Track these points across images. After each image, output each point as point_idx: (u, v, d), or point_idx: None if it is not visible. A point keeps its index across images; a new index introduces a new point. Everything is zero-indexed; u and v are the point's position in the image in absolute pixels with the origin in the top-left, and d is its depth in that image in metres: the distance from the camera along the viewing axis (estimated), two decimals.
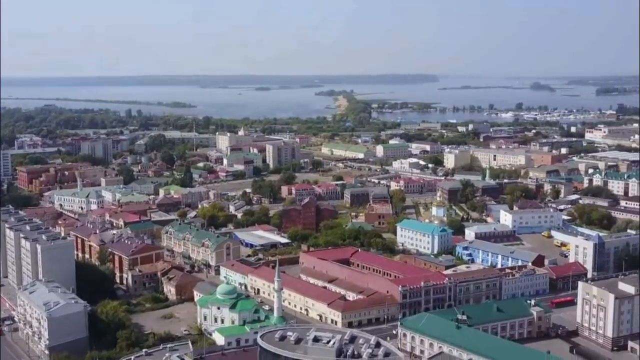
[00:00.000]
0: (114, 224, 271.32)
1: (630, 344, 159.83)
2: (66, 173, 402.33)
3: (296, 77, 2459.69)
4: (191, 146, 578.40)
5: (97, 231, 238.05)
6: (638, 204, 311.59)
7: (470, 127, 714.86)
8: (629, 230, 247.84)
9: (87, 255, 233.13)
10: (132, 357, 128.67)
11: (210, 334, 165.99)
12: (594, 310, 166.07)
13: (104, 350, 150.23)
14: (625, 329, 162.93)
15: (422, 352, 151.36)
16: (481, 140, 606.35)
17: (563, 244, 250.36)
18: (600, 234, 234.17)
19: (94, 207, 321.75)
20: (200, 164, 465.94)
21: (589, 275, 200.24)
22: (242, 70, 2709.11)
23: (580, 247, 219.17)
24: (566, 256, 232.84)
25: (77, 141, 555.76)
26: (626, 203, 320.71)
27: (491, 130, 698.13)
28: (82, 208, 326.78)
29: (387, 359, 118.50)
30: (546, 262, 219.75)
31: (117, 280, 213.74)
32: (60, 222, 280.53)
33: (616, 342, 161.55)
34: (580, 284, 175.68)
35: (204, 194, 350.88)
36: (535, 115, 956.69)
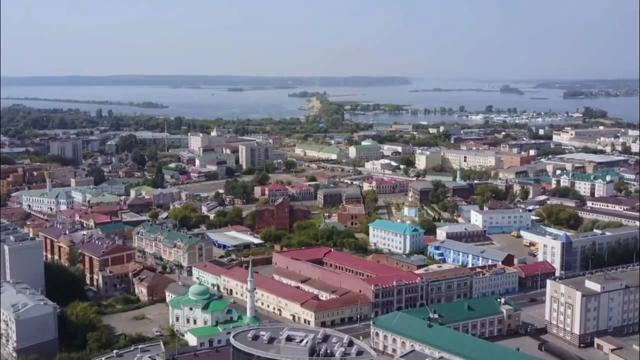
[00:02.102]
0: (84, 225, 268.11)
1: (597, 340, 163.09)
2: (35, 173, 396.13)
3: (269, 78, 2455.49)
4: (163, 147, 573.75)
5: (67, 232, 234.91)
6: (604, 204, 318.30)
7: (442, 128, 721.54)
8: (595, 230, 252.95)
9: (56, 257, 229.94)
10: (103, 359, 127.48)
11: (183, 335, 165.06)
12: (562, 308, 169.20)
13: (74, 352, 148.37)
14: (592, 326, 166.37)
15: (394, 350, 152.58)
16: (452, 141, 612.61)
17: (532, 244, 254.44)
18: (568, 234, 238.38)
19: (63, 207, 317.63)
20: (172, 165, 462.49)
21: (557, 274, 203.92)
22: (214, 71, 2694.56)
23: (548, 247, 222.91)
24: (535, 255, 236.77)
25: (46, 141, 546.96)
26: (592, 203, 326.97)
27: (462, 132, 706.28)
28: (51, 209, 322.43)
29: (360, 357, 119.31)
30: (515, 261, 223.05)
31: (88, 281, 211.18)
32: (28, 222, 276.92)
33: (583, 339, 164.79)
34: (548, 282, 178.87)
35: (175, 195, 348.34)
36: (505, 117, 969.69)
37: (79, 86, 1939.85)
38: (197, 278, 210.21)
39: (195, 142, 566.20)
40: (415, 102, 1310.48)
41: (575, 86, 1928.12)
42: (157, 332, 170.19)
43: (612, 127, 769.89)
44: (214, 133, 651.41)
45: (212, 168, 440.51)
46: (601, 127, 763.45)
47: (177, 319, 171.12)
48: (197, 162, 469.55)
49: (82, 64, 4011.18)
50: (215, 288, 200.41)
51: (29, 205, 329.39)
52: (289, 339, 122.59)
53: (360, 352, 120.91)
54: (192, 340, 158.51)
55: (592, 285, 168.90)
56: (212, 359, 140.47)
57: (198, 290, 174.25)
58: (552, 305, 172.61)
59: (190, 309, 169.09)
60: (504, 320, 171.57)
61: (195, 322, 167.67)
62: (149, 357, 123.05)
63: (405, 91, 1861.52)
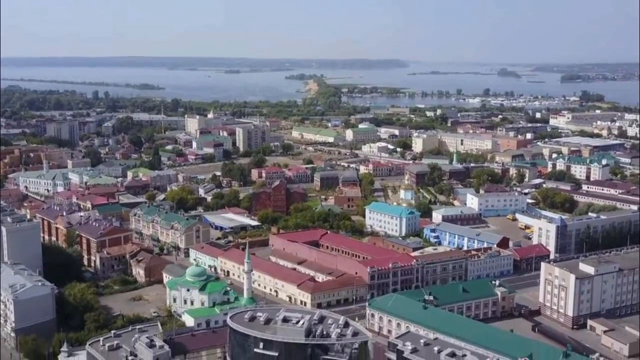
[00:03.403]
0: (82, 207, 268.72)
1: (590, 322, 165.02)
2: (31, 155, 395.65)
3: (266, 61, 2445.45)
4: (159, 129, 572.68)
5: (64, 213, 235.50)
6: (599, 188, 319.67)
7: (439, 112, 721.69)
8: (590, 214, 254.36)
9: (53, 238, 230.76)
10: (101, 339, 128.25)
11: (180, 316, 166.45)
12: (556, 290, 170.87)
13: (72, 332, 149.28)
14: (585, 308, 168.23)
15: (389, 331, 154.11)
16: (449, 125, 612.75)
17: (527, 227, 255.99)
18: (563, 217, 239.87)
19: (60, 189, 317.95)
20: (169, 147, 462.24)
21: (552, 257, 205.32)
22: (211, 53, 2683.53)
23: (543, 230, 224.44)
24: (530, 238, 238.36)
25: (43, 123, 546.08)
26: (588, 187, 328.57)
27: (459, 115, 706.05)
28: (48, 190, 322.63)
29: (356, 338, 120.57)
30: (510, 244, 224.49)
31: (85, 262, 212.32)
32: (25, 204, 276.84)
33: (576, 320, 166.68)
34: (542, 265, 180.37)
35: (172, 177, 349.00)
36: (502, 101, 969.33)
37: (75, 67, 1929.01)
38: (194, 260, 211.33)
39: (192, 124, 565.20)
40: (413, 85, 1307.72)
41: (573, 70, 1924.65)
42: (154, 312, 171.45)
43: (609, 110, 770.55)
44: (210, 115, 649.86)
45: (209, 150, 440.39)
46: (598, 111, 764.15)
47: (175, 300, 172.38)
48: (194, 144, 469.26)
49: (78, 45, 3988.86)
50: (212, 269, 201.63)
51: (26, 187, 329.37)
52: (285, 320, 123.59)
53: (355, 333, 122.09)
54: (189, 321, 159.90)
55: (586, 268, 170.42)
56: (209, 339, 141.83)
57: (195, 271, 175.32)
58: (546, 288, 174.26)
59: (188, 290, 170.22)
60: (499, 302, 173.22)
61: (192, 303, 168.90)
62: (147, 337, 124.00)
63: (402, 74, 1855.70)
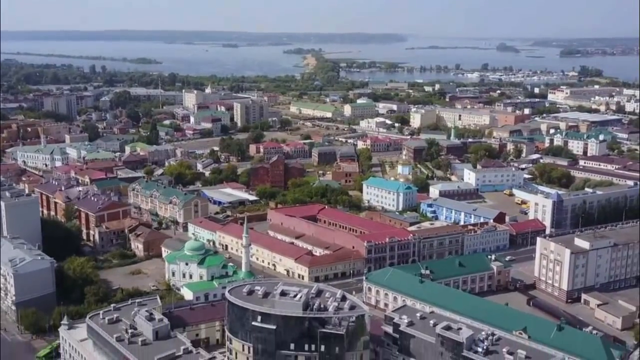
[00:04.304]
0: (80, 181, 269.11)
1: (584, 296, 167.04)
2: (29, 129, 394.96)
3: (264, 35, 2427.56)
4: (157, 103, 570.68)
5: (63, 188, 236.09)
6: (596, 163, 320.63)
7: (437, 87, 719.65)
8: (586, 189, 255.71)
9: (52, 212, 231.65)
10: (101, 312, 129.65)
11: (179, 290, 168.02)
12: (551, 264, 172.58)
13: (72, 305, 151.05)
14: (580, 282, 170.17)
15: (386, 305, 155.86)
16: (447, 100, 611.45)
17: (523, 202, 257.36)
18: (559, 192, 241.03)
19: (58, 164, 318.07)
20: (167, 122, 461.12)
21: (547, 232, 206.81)
22: (208, 27, 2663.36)
23: (539, 205, 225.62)
24: (526, 213, 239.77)
25: (40, 97, 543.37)
26: (585, 162, 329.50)
27: (457, 90, 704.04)
28: (46, 165, 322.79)
29: (353, 311, 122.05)
30: (507, 219, 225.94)
31: (84, 237, 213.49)
32: (24, 179, 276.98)
33: (571, 294, 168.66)
34: (538, 239, 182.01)
35: (170, 152, 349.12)
36: (500, 76, 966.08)
37: (71, 41, 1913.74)
38: (193, 234, 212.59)
39: (190, 99, 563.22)
40: (412, 60, 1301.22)
41: (572, 44, 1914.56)
42: (153, 286, 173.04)
43: (607, 86, 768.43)
44: (208, 90, 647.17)
45: (207, 125, 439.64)
46: (596, 86, 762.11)
47: (173, 273, 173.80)
48: (192, 119, 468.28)
49: (74, 18, 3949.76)
50: (211, 244, 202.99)
51: (24, 162, 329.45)
52: (283, 293, 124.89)
53: (352, 307, 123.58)
54: (188, 294, 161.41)
55: (581, 243, 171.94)
56: (208, 313, 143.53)
57: (194, 245, 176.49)
58: (542, 262, 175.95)
59: (186, 264, 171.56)
60: (494, 277, 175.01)
61: (191, 277, 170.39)
62: (146, 310, 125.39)
63: (401, 49, 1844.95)
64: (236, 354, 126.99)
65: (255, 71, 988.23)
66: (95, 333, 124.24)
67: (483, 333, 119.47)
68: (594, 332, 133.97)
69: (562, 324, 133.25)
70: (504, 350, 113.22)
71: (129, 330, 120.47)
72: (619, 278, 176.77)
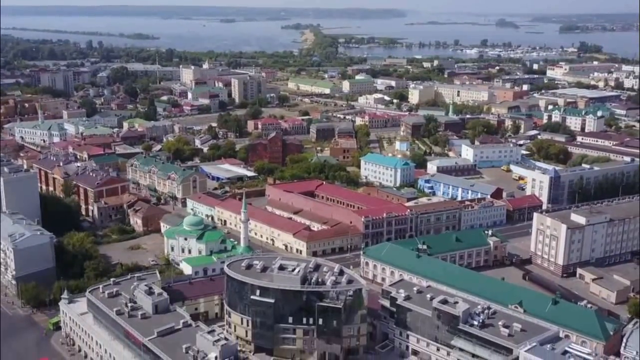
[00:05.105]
0: (78, 157, 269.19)
1: (579, 270, 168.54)
2: (26, 105, 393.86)
3: (261, 9, 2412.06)
4: (154, 79, 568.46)
5: (61, 164, 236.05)
6: (593, 139, 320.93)
7: (436, 63, 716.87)
8: (583, 165, 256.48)
9: (51, 188, 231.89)
10: (100, 287, 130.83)
11: (178, 264, 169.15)
12: (547, 240, 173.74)
13: (72, 280, 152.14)
14: (575, 257, 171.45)
15: (383, 279, 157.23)
16: (446, 76, 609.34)
17: (521, 178, 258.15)
18: (557, 168, 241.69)
19: (56, 139, 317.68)
20: (165, 98, 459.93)
21: (544, 207, 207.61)
22: (205, 1, 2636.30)
23: (537, 181, 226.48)
24: (523, 189, 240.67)
25: (37, 72, 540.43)
26: (582, 138, 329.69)
27: (456, 66, 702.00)
28: (44, 141, 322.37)
29: (350, 285, 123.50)
30: (504, 194, 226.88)
31: (83, 212, 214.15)
32: (22, 154, 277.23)
33: (566, 269, 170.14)
34: (535, 215, 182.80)
35: (168, 128, 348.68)
36: (500, 52, 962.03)
37: (67, 16, 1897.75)
38: (192, 209, 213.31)
39: (187, 74, 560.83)
40: (411, 35, 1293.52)
41: (572, 20, 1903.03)
42: (152, 261, 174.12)
43: (607, 62, 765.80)
44: (205, 66, 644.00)
45: (205, 101, 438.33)
46: (595, 63, 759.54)
47: (172, 248, 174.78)
48: (190, 95, 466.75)
49: None
50: (210, 219, 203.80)
51: (22, 137, 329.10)
52: (282, 268, 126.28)
53: (350, 281, 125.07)
54: (187, 269, 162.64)
55: (578, 218, 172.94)
56: (207, 287, 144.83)
57: (193, 221, 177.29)
58: (538, 237, 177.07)
59: (185, 239, 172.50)
60: (491, 251, 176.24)
61: (190, 251, 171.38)
62: (146, 285, 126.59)
63: (400, 24, 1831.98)
64: (235, 327, 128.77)
65: (253, 47, 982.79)
66: (95, 307, 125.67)
67: (479, 307, 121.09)
68: (589, 306, 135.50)
69: (557, 298, 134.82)
70: (500, 323, 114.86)
71: (129, 304, 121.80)
72: (615, 253, 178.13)
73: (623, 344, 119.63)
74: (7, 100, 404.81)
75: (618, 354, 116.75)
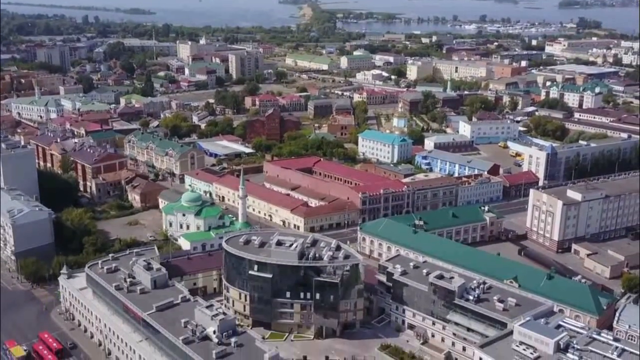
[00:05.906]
0: (75, 133, 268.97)
1: (574, 246, 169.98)
2: (22, 81, 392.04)
3: None
4: (151, 54, 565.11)
5: (58, 140, 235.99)
6: (591, 115, 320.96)
7: (434, 38, 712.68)
8: (580, 141, 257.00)
9: (48, 164, 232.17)
10: (99, 262, 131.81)
11: (176, 240, 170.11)
12: (543, 215, 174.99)
13: (71, 255, 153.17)
14: (571, 233, 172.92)
15: (380, 255, 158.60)
16: (444, 52, 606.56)
17: (518, 154, 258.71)
18: (554, 145, 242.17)
19: (53, 115, 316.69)
20: (161, 73, 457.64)
21: (541, 184, 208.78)
22: None
23: (533, 157, 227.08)
24: (520, 165, 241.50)
25: (33, 48, 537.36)
26: (580, 115, 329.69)
27: (454, 42, 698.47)
28: (41, 117, 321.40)
29: (347, 261, 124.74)
30: (501, 171, 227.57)
31: (81, 188, 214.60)
32: (19, 130, 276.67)
33: (561, 244, 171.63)
34: (531, 191, 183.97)
35: (166, 104, 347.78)
36: (498, 27, 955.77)
37: None
38: (190, 185, 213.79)
39: (184, 50, 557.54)
40: (409, 10, 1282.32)
41: None
42: (151, 237, 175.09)
43: (606, 38, 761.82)
44: (202, 41, 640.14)
45: (202, 77, 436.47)
46: (594, 38, 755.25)
47: (171, 224, 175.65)
48: (187, 71, 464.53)
49: None
50: (208, 195, 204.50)
51: (19, 113, 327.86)
52: (279, 243, 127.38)
53: (347, 256, 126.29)
54: (185, 244, 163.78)
55: (573, 195, 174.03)
56: (205, 262, 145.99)
57: (191, 197, 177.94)
58: (534, 213, 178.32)
59: (184, 215, 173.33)
60: (487, 227, 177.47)
61: (188, 227, 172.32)
62: (144, 260, 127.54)
63: None
64: (233, 302, 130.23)
65: (250, 22, 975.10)
66: (95, 282, 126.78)
67: (474, 282, 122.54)
68: (583, 280, 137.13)
69: (551, 273, 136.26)
70: (495, 298, 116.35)
71: (128, 279, 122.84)
72: (610, 229, 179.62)
73: (616, 318, 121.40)
74: (3, 75, 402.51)
75: (611, 328, 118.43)
